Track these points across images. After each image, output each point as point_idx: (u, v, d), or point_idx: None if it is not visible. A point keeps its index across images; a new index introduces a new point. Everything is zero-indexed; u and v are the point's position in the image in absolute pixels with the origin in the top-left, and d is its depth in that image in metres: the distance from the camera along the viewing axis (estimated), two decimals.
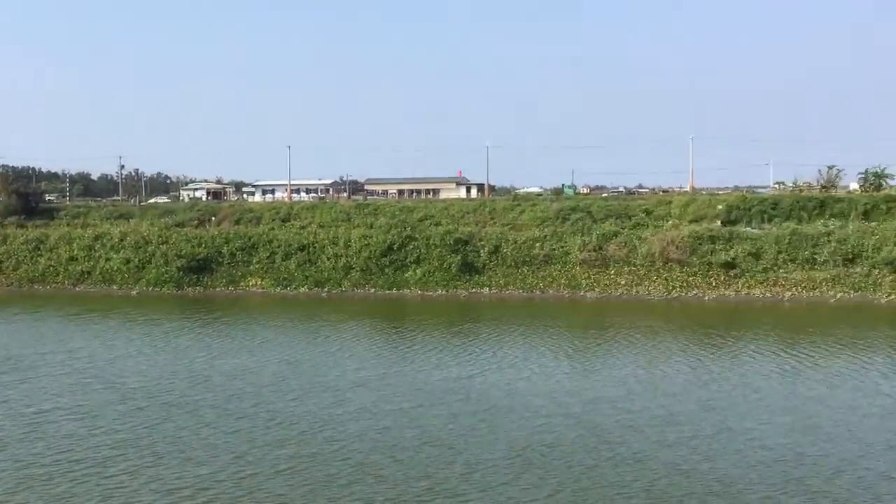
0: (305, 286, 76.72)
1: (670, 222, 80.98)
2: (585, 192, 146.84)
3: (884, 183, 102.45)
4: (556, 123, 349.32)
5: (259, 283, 78.09)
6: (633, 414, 33.64)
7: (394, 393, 37.49)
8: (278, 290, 76.65)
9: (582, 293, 72.13)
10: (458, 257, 75.72)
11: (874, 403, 34.98)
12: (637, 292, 71.47)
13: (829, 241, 71.63)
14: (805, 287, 69.28)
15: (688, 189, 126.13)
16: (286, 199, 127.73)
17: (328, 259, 78.68)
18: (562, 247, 76.27)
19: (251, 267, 79.75)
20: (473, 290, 74.15)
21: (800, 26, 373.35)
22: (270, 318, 61.57)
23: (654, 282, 72.03)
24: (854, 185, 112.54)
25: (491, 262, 76.40)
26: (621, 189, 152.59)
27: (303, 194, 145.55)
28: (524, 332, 53.98)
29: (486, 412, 34.12)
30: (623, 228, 78.75)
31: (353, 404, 35.59)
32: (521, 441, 30.06)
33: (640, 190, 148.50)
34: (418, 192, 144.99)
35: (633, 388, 38.09)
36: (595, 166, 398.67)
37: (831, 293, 68.28)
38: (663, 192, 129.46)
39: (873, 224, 75.61)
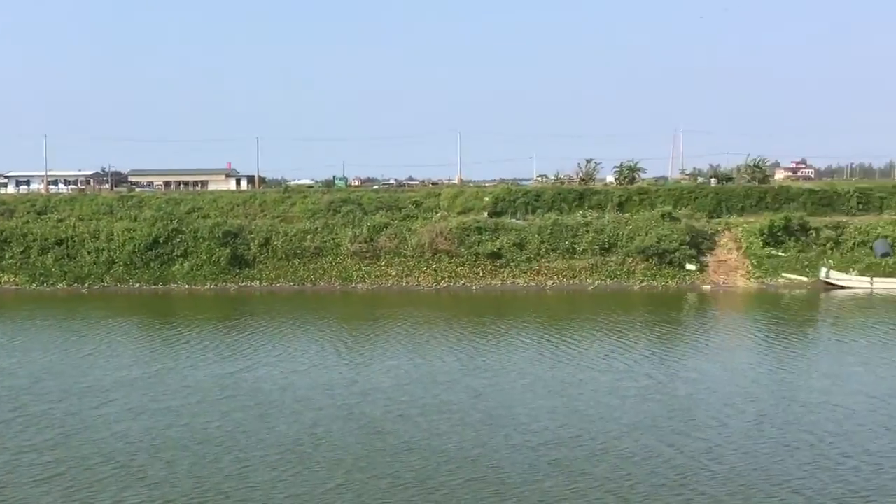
0: (64, 282, 73.06)
1: (439, 214, 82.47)
2: (357, 183, 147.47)
3: (637, 176, 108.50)
4: (327, 115, 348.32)
5: (12, 279, 73.64)
6: (406, 404, 34.05)
7: (162, 391, 36.33)
8: (34, 286, 72.58)
9: (353, 285, 72.45)
10: (228, 250, 74.22)
11: (635, 385, 36.82)
12: (407, 283, 72.49)
13: (587, 232, 74.92)
14: (566, 275, 72.39)
15: (456, 181, 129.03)
16: (42, 191, 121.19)
17: (89, 253, 75.14)
18: (333, 239, 76.20)
19: (3, 263, 74.95)
20: (244, 284, 72.95)
21: (553, 27, 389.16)
22: (27, 316, 58.19)
23: (424, 272, 73.25)
24: (610, 178, 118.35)
25: (261, 254, 75.35)
26: (392, 181, 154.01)
27: (61, 186, 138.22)
28: (297, 324, 53.68)
29: (259, 407, 33.64)
30: (393, 220, 79.48)
31: (119, 405, 34.20)
32: (293, 436, 29.81)
33: (411, 182, 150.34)
34: (186, 183, 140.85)
35: (405, 377, 38.52)
36: (366, 158, 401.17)
37: (589, 281, 71.73)
38: (433, 184, 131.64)
39: (627, 215, 79.84)
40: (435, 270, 73.28)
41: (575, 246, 74.07)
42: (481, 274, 72.94)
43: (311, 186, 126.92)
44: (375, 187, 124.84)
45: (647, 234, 73.34)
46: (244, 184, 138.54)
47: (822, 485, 24.64)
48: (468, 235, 74.82)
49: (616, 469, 26.19)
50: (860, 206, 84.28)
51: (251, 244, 75.65)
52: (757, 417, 31.80)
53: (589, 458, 27.16)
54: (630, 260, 72.98)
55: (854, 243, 74.03)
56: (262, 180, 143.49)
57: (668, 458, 27.10)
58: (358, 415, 32.53)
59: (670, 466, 26.36)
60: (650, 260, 72.36)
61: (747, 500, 23.62)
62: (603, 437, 29.37)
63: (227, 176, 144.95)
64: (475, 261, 73.61)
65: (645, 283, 71.14)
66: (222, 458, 27.56)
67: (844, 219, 78.97)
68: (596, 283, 71.43)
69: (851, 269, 71.08)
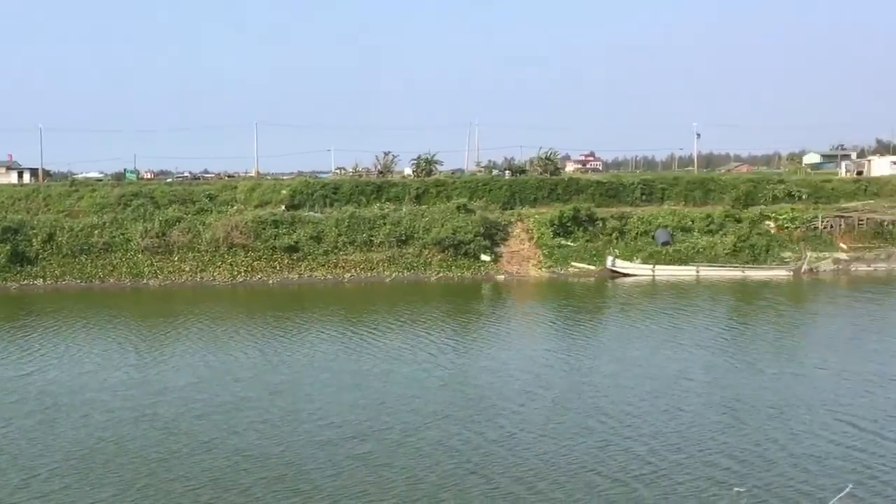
0: None
1: (235, 207, 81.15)
2: (149, 177, 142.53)
3: (434, 168, 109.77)
4: (118, 106, 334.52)
5: None
6: (203, 402, 33.27)
7: None
8: None
9: (145, 281, 70.28)
10: (7, 247, 70.21)
11: (436, 375, 37.31)
12: (202, 278, 70.94)
13: (384, 224, 75.43)
14: (363, 268, 72.68)
15: (253, 174, 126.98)
16: None
17: None
18: (123, 234, 73.63)
19: None
20: (25, 282, 69.39)
21: (345, 19, 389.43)
22: None
23: (219, 267, 71.89)
24: (408, 171, 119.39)
25: (45, 251, 71.81)
26: (186, 174, 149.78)
27: None
28: (87, 324, 51.53)
29: (46, 412, 32.05)
30: (187, 214, 77.58)
31: None
32: (84, 441, 28.54)
33: (206, 175, 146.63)
34: None
35: (203, 375, 37.69)
36: (160, 151, 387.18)
37: (387, 273, 72.29)
38: (229, 177, 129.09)
39: (424, 207, 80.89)
40: (231, 265, 72.04)
41: (372, 238, 74.39)
42: (278, 268, 72.26)
43: (100, 180, 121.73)
44: (169, 180, 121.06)
45: (442, 226, 74.47)
46: (27, 177, 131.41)
47: (618, 465, 25.72)
48: (264, 229, 73.90)
49: (418, 459, 26.44)
50: (643, 198, 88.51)
51: (33, 240, 72.01)
52: (553, 402, 32.80)
53: (391, 451, 27.28)
54: (426, 251, 73.95)
55: (637, 233, 77.52)
56: (47, 173, 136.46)
57: (469, 446, 27.59)
58: (152, 416, 31.54)
59: (472, 454, 26.85)
60: (446, 251, 73.54)
61: (550, 484, 24.32)
62: (405, 429, 29.58)
63: (8, 168, 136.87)
64: (272, 254, 72.82)
65: (441, 274, 72.29)
66: (6, 468, 26.08)
67: (629, 209, 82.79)
68: (393, 274, 72.06)
69: (635, 258, 74.59)
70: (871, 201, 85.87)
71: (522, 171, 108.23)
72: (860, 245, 76.12)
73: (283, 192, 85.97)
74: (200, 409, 32.35)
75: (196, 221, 75.40)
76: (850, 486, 23.08)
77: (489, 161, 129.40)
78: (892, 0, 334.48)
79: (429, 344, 44.31)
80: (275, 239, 73.26)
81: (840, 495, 22.45)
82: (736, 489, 23.45)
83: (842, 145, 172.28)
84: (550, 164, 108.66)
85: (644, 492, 23.64)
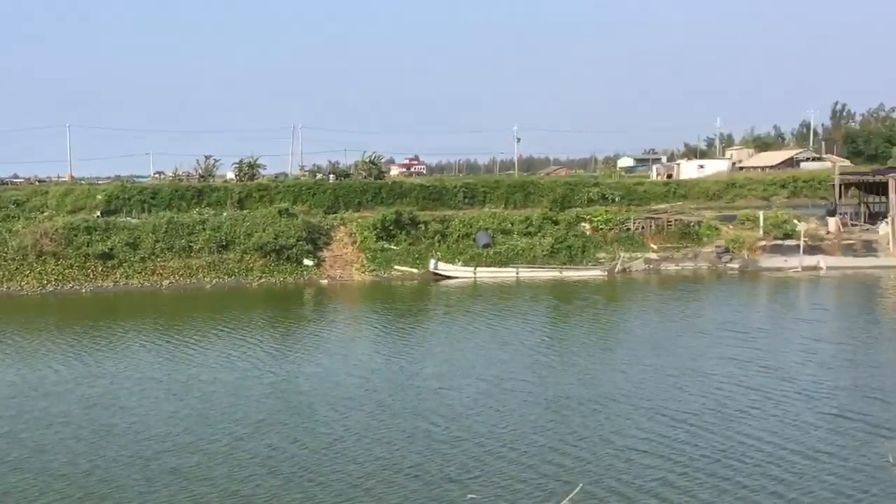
0: None
1: (46, 213, 77.68)
2: None
3: (257, 172, 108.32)
4: None
5: None
6: (10, 419, 31.52)
7: None
8: None
9: None
10: None
11: (258, 384, 36.58)
12: (9, 288, 67.43)
13: (204, 229, 73.76)
14: (182, 274, 70.74)
15: (67, 179, 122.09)
16: None
17: None
18: None
19: None
20: None
21: (159, 22, 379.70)
22: None
23: (28, 276, 68.47)
24: (231, 175, 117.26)
25: None
26: None
27: None
28: None
29: None
30: None
31: None
32: None
33: (15, 180, 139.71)
34: None
35: (9, 391, 35.75)
36: None
37: (207, 279, 70.64)
38: (40, 181, 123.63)
39: (245, 212, 79.53)
40: (40, 273, 68.76)
41: (192, 244, 72.56)
42: (92, 276, 69.43)
43: None
44: None
45: (264, 231, 73.36)
46: None
47: (455, 466, 25.88)
48: (76, 236, 70.92)
49: (239, 471, 25.81)
50: (466, 201, 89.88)
51: None
52: (377, 407, 32.63)
53: (211, 462, 26.53)
54: (248, 257, 72.68)
55: (459, 235, 78.23)
56: None
57: (291, 455, 27.15)
58: None
59: (294, 463, 26.44)
60: (268, 256, 72.42)
61: (386, 487, 24.28)
62: (226, 439, 28.86)
63: None
64: (85, 262, 69.91)
65: (263, 280, 71.19)
66: None
67: (452, 213, 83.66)
68: (214, 281, 70.49)
69: (457, 260, 75.45)
70: (680, 203, 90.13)
71: (347, 175, 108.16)
72: (669, 245, 79.30)
73: (99, 197, 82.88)
74: (7, 427, 30.69)
75: (1, 228, 71.76)
76: (581, 484, 23.86)
77: (314, 165, 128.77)
78: (703, 7, 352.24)
79: (252, 351, 43.47)
80: (88, 246, 70.39)
81: (571, 495, 23.17)
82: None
83: (653, 150, 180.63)
84: (375, 167, 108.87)
85: (482, 492, 23.85)
